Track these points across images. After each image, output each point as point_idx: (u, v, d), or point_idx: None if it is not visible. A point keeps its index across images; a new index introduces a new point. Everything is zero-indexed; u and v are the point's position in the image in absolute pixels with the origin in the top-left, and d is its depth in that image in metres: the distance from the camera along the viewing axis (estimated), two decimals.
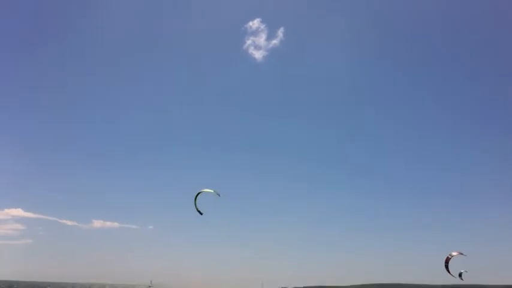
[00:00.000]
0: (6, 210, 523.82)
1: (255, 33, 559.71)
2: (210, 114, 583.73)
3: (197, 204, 20.45)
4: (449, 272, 31.72)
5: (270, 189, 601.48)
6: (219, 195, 22.32)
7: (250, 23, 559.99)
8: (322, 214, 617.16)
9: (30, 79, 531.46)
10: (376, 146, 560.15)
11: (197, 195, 20.49)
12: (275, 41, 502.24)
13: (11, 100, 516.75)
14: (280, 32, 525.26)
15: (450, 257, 31.72)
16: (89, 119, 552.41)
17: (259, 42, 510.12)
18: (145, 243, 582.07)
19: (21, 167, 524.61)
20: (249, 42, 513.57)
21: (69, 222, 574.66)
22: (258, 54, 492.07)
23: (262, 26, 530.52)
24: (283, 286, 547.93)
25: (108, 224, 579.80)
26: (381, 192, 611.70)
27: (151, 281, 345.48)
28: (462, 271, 46.32)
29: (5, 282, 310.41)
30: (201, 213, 20.64)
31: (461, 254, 33.27)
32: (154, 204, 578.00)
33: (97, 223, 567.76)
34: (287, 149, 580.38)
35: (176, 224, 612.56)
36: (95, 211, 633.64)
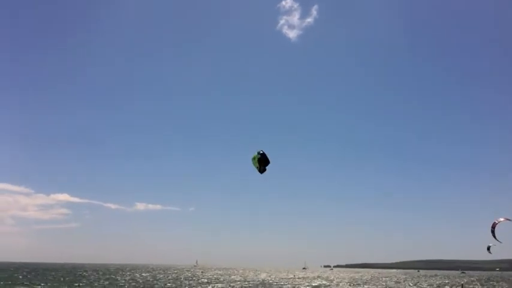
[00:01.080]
0: (53, 196, 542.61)
1: (289, 12, 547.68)
2: (247, 97, 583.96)
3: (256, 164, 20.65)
4: (495, 237, 32.09)
5: (315, 171, 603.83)
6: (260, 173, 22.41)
7: (283, 2, 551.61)
8: (366, 197, 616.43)
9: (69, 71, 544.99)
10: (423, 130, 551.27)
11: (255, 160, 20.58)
12: (309, 20, 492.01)
13: (58, 92, 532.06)
14: (314, 10, 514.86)
15: (497, 222, 32.03)
16: (135, 107, 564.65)
17: (292, 21, 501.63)
18: (187, 224, 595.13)
19: (67, 154, 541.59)
20: (282, 21, 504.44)
21: (113, 206, 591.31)
22: (292, 34, 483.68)
23: (296, 5, 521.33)
24: (325, 264, 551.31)
25: (151, 206, 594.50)
26: (427, 175, 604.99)
27: (196, 261, 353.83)
28: (490, 245, 46.35)
29: (52, 264, 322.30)
30: (261, 171, 20.83)
31: (508, 219, 33.40)
32: (195, 187, 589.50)
33: (140, 206, 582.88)
34: (329, 132, 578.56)
35: (217, 205, 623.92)
36: (137, 194, 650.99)
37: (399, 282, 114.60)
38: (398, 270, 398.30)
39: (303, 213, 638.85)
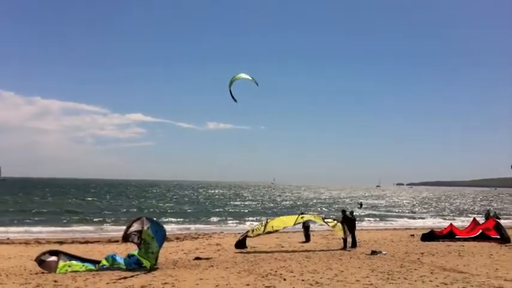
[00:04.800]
0: (127, 116, 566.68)
1: None
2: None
3: (232, 91, 20.74)
4: None
5: (392, 88, 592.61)
6: (257, 84, 22.44)
7: None
8: (442, 113, 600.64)
9: None
10: None
11: (233, 81, 20.59)
12: None
13: (132, 18, 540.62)
14: None
15: None
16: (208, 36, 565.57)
17: None
18: (258, 143, 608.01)
19: (140, 75, 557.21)
20: None
21: (185, 125, 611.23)
22: None
23: None
24: (398, 182, 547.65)
25: (222, 125, 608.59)
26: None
27: (274, 179, 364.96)
28: None
29: (132, 181, 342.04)
30: (235, 101, 21.02)
31: None
32: (265, 105, 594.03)
33: (211, 125, 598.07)
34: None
35: (287, 124, 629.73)
36: (209, 114, 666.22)
37: (464, 197, 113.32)
38: (474, 188, 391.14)
39: (377, 131, 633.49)
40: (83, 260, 15.65)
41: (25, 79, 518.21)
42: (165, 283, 12.07)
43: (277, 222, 22.47)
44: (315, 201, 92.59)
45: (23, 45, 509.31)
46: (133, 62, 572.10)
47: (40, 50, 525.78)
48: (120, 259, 15.29)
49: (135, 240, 14.92)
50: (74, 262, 15.18)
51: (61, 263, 14.87)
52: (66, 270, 14.67)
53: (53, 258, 15.06)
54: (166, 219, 41.50)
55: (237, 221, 43.67)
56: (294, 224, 22.53)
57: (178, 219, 43.45)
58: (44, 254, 15.18)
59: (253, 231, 21.82)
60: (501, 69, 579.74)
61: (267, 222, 22.21)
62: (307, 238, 24.73)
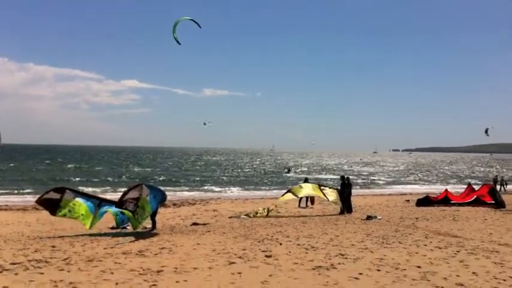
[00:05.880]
0: (123, 82, 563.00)
1: None
2: None
3: (176, 33, 20.71)
4: None
5: (385, 62, 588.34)
6: (199, 26, 22.43)
7: None
8: (436, 78, 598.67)
9: None
10: None
11: (177, 24, 20.56)
12: None
13: None
14: None
15: None
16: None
17: None
18: (253, 109, 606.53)
19: (134, 40, 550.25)
20: None
21: (181, 91, 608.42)
22: None
23: None
24: (395, 148, 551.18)
25: (218, 92, 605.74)
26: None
27: (273, 146, 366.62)
28: (489, 127, 43.83)
29: (127, 148, 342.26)
30: (179, 43, 21.09)
31: None
32: (261, 72, 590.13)
33: (207, 91, 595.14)
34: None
35: (284, 90, 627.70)
36: (205, 80, 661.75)
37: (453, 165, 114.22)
38: (469, 154, 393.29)
39: (373, 99, 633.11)
40: (87, 197, 15.62)
41: (18, 45, 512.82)
42: (163, 248, 12.17)
43: (303, 191, 22.65)
44: (315, 167, 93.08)
45: (16, 11, 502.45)
46: (129, 28, 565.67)
47: (34, 16, 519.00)
48: (115, 209, 15.31)
49: (130, 207, 14.72)
50: (78, 200, 15.16)
51: (64, 201, 14.88)
52: (65, 214, 14.68)
53: (56, 196, 15.00)
54: (164, 188, 41.59)
55: (236, 188, 43.95)
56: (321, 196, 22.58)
57: (176, 187, 43.69)
58: (47, 192, 15.12)
59: (256, 213, 21.38)
60: (494, 34, 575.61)
61: (269, 209, 21.73)
62: (311, 202, 24.84)
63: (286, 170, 73.20)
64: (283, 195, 22.86)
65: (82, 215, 15.01)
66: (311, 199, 24.92)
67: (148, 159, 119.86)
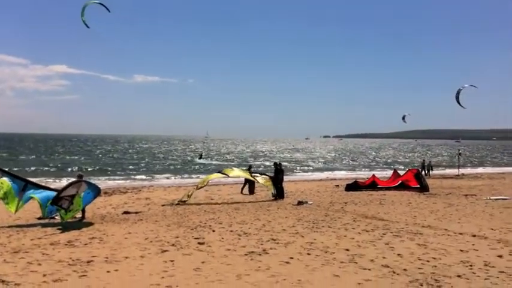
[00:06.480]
0: (51, 67, 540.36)
1: None
2: None
3: (84, 16, 20.96)
4: (459, 103, 32.67)
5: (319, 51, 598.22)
6: (108, 10, 22.64)
7: None
8: (365, 69, 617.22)
9: None
10: None
11: (85, 7, 20.79)
12: None
13: None
14: None
15: (462, 88, 32.59)
16: None
17: None
18: (187, 96, 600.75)
19: (64, 23, 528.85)
20: None
21: (111, 77, 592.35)
22: None
23: None
24: (325, 135, 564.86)
25: (149, 78, 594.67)
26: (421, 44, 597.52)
27: (207, 132, 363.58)
28: (406, 114, 47.14)
29: (54, 135, 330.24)
30: (88, 27, 21.36)
31: (473, 86, 34.02)
32: (194, 58, 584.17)
33: (138, 78, 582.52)
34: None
35: (217, 78, 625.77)
36: (136, 66, 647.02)
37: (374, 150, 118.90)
38: (396, 140, 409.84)
39: (305, 88, 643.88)
40: (14, 177, 14.97)
41: None
42: (93, 237, 11.93)
43: (234, 172, 22.93)
44: (249, 154, 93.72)
45: None
46: (58, 12, 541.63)
47: None
48: (41, 196, 14.79)
49: (65, 205, 14.13)
50: (4, 179, 14.57)
51: None
52: None
53: None
54: (94, 177, 40.44)
55: (167, 175, 43.48)
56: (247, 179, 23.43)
57: (107, 176, 42.58)
58: None
59: (189, 196, 20.94)
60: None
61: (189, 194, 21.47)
62: (251, 191, 24.77)
63: (198, 156, 74.28)
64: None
65: (5, 194, 14.32)
66: (250, 188, 24.86)
67: (77, 147, 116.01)
